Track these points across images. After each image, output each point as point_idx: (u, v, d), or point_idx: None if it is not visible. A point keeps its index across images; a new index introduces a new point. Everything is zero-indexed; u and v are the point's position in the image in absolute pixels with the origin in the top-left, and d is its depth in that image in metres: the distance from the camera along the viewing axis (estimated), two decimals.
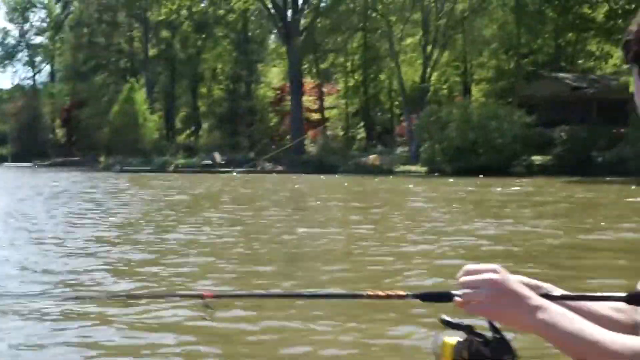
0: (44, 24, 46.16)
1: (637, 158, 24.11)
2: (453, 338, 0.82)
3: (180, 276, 5.96)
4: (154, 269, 6.38)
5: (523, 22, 32.29)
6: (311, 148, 36.77)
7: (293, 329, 4.18)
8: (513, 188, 19.40)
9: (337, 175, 28.78)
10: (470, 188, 19.48)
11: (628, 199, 15.12)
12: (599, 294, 0.95)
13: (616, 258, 7.11)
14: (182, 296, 2.00)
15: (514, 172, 26.22)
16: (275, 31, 41.29)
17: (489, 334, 0.79)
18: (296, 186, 22.44)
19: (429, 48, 33.18)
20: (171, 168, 33.88)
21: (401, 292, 0.97)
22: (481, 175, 23.84)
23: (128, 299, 4.73)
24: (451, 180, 23.66)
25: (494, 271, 0.83)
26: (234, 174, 31.57)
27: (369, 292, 1.02)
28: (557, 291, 0.94)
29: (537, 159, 28.12)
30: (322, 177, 28.03)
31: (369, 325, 4.07)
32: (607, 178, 21.14)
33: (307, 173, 30.10)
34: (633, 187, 18.05)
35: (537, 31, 33.63)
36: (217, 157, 35.20)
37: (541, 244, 7.88)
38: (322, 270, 6.58)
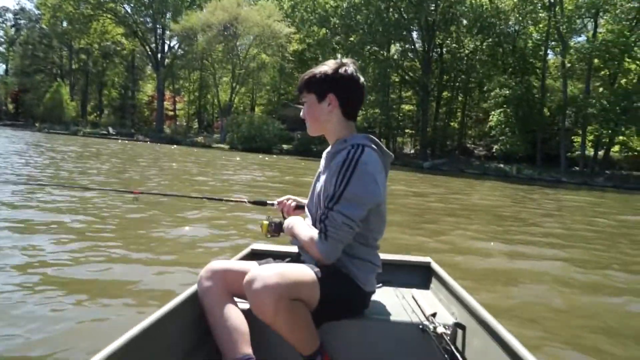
0: (2, 39, 60.57)
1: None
2: (267, 221, 1.88)
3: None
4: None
5: (282, 77, 47.00)
6: (167, 129, 50.02)
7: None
8: (269, 157, 27.67)
9: (180, 146, 36.65)
10: (250, 157, 25.53)
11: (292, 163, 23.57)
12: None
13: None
14: (117, 191, 2.30)
15: (274, 152, 36.47)
16: (150, 64, 55.09)
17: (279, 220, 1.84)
18: (157, 150, 27.18)
19: (234, 84, 44.69)
20: (81, 133, 44.40)
21: (242, 199, 2.18)
22: (261, 154, 31.57)
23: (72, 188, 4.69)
24: (240, 153, 31.15)
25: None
26: (120, 140, 38.09)
27: (231, 199, 2.30)
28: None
29: (285, 146, 38.69)
30: (173, 146, 34.44)
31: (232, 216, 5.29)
32: (316, 158, 26.25)
33: (163, 144, 37.94)
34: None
35: (289, 83, 47.15)
36: (111, 130, 47.64)
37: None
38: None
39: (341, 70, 1.65)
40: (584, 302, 3.54)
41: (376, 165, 1.60)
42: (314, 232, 1.64)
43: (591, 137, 31.14)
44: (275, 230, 1.81)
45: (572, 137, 32.09)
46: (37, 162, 11.84)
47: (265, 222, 1.79)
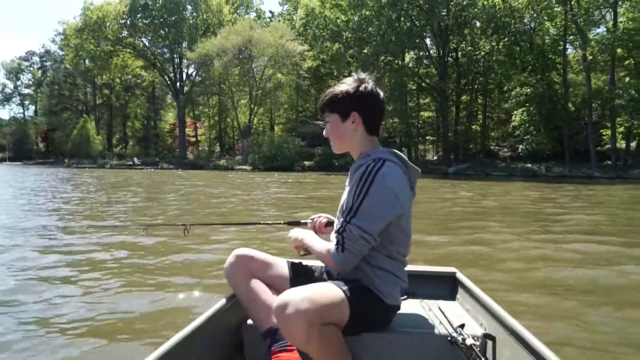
0: (30, 81, 63.50)
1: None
2: None
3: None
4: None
5: (299, 95, 47.96)
6: (190, 155, 52.03)
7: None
8: (290, 175, 27.81)
9: (203, 170, 37.85)
10: (275, 176, 25.78)
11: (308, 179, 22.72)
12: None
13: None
14: (169, 225, 2.50)
15: (295, 170, 36.18)
16: (169, 93, 57.29)
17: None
18: (183, 175, 29.63)
19: (252, 105, 45.34)
20: (108, 166, 47.06)
21: (278, 221, 2.43)
22: (283, 173, 31.73)
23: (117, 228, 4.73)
24: (261, 173, 31.77)
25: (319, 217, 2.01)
26: (147, 169, 40.42)
27: (268, 222, 2.57)
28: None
29: (307, 163, 38.41)
30: (198, 171, 36.14)
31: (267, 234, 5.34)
32: (338, 173, 28.84)
33: (187, 169, 39.41)
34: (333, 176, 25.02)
35: (306, 100, 48.81)
36: (136, 160, 50.49)
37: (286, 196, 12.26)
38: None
39: (361, 88, 1.67)
40: (623, 308, 3.16)
41: (397, 179, 1.59)
42: (329, 244, 1.67)
43: (621, 129, 30.06)
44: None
45: (601, 131, 31.01)
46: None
47: None
